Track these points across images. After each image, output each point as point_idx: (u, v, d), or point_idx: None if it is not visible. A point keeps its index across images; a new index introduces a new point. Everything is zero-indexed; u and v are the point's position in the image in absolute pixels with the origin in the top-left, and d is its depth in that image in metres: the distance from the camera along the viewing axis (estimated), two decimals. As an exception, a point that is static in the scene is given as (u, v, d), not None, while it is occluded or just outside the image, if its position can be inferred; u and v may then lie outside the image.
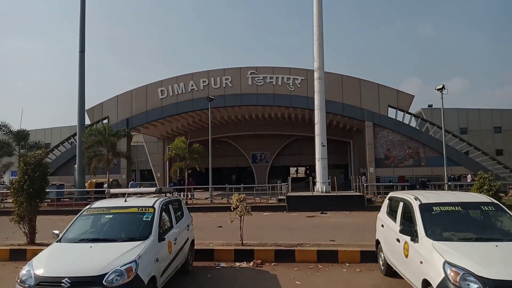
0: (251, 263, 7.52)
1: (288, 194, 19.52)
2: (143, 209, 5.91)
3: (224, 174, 39.59)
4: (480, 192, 8.37)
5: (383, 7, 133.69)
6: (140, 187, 24.81)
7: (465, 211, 5.62)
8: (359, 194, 19.60)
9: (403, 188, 21.65)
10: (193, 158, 22.91)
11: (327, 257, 7.60)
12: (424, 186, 24.44)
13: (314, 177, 20.97)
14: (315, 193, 19.46)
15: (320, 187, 19.62)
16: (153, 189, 7.65)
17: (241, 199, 8.31)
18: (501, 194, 20.16)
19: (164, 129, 31.95)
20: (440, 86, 18.97)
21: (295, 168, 47.31)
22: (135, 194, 7.58)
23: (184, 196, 21.47)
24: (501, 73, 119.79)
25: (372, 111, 27.03)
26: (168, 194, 7.56)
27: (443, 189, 20.54)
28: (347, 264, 7.40)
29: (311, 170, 39.05)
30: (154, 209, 5.88)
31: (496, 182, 8.62)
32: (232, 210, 8.48)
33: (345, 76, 27.77)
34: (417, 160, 27.11)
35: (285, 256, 7.73)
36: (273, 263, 7.57)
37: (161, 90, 28.56)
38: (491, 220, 5.57)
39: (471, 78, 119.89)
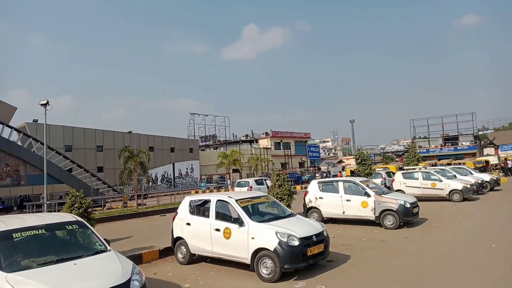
0: None
1: None
2: None
3: None
4: (71, 211, 8.65)
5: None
6: None
7: (50, 233, 5.46)
8: None
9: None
10: None
11: None
12: (21, 206, 22.49)
13: None
14: None
15: None
16: None
17: None
18: (98, 208, 22.35)
19: None
20: (44, 102, 18.32)
21: None
22: None
23: None
24: (112, 98, 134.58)
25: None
26: None
27: (42, 209, 19.78)
28: None
29: None
30: None
31: (86, 199, 9.23)
32: None
33: None
34: (17, 178, 24.69)
35: None
36: None
37: None
38: (76, 238, 5.73)
39: (79, 99, 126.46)
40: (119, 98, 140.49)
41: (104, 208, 23.07)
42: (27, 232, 5.18)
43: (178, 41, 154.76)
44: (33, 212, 19.64)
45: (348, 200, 11.79)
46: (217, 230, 7.45)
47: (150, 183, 44.19)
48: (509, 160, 33.05)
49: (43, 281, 4.25)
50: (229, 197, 7.77)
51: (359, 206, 11.47)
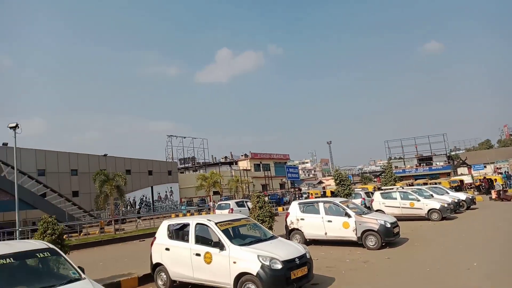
0: None
1: None
2: None
3: None
4: (43, 238, 8.22)
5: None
6: None
7: (19, 261, 5.18)
8: None
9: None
10: None
11: None
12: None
13: None
14: None
15: None
16: None
17: None
18: (74, 234, 21.44)
19: None
20: (14, 124, 17.68)
21: None
22: None
23: None
24: (83, 121, 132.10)
25: None
26: None
27: (14, 237, 18.77)
28: None
29: None
30: None
31: (59, 225, 8.81)
32: None
33: None
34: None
35: None
36: None
37: None
38: (49, 266, 5.47)
39: (50, 121, 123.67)
40: (92, 120, 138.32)
41: (81, 234, 22.17)
42: (-6, 261, 4.85)
43: (151, 64, 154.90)
44: (3, 240, 18.59)
45: (329, 221, 11.75)
46: (198, 255, 7.23)
47: (128, 207, 42.95)
48: (490, 177, 33.93)
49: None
50: (208, 220, 7.59)
51: (340, 227, 11.44)
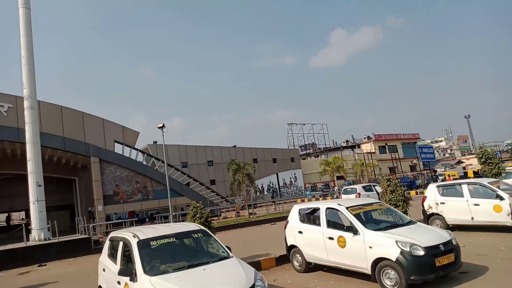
0: None
1: (-11, 249, 15.43)
2: None
3: None
4: (194, 221, 9.44)
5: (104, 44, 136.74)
6: None
7: (179, 241, 5.93)
8: (85, 236, 18.00)
9: (131, 224, 21.69)
10: None
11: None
12: (152, 219, 25.47)
13: (29, 224, 17.63)
14: (30, 243, 16.25)
15: (37, 234, 16.65)
16: None
17: None
18: (215, 218, 24.03)
19: None
20: (161, 125, 20.77)
21: (6, 215, 38.50)
22: None
23: None
24: (213, 117, 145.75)
25: (98, 147, 26.09)
26: None
27: (169, 220, 22.09)
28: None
29: (28, 214, 32.80)
30: None
31: (205, 209, 9.99)
32: None
33: (66, 108, 25.61)
34: (146, 194, 28.12)
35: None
36: None
37: None
38: (201, 245, 6.15)
39: (187, 119, 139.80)
40: (220, 116, 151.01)
41: (220, 218, 24.69)
42: (161, 240, 5.72)
43: (266, 56, 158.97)
44: (160, 223, 22.03)
45: (476, 205, 10.41)
46: (331, 238, 7.28)
47: (258, 193, 45.86)
48: None
49: (180, 284, 4.67)
50: (338, 204, 7.54)
51: (490, 211, 10.02)
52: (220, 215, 25.61)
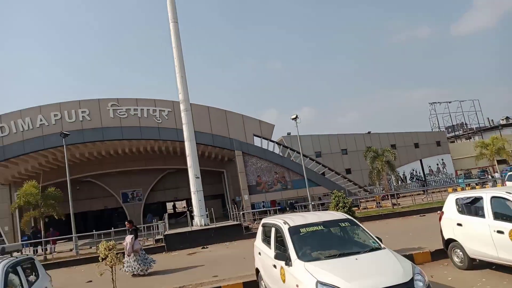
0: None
1: (166, 232, 18.58)
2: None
3: (92, 218, 35.79)
4: (337, 210, 9.44)
5: (235, 44, 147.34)
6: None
7: (327, 229, 6.03)
8: (237, 223, 19.98)
9: (275, 212, 23.01)
10: (49, 204, 19.77)
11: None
12: (292, 207, 26.53)
13: (191, 211, 20.60)
14: (194, 228, 18.97)
15: (198, 220, 19.31)
16: (-6, 249, 6.28)
17: (110, 247, 7.49)
18: (354, 208, 23.56)
19: (9, 172, 27.05)
20: (294, 116, 21.32)
21: (172, 203, 45.83)
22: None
23: (42, 251, 18.35)
24: (343, 103, 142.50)
25: (240, 141, 28.48)
26: (15, 253, 6.30)
27: (309, 209, 22.66)
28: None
29: (189, 203, 38.37)
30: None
31: (348, 199, 9.89)
32: (101, 260, 7.55)
33: (212, 107, 28.73)
34: (284, 184, 29.43)
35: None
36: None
37: (1, 127, 24.45)
38: (349, 234, 6.09)
39: (316, 108, 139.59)
40: (349, 102, 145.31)
41: (360, 208, 24.07)
42: (309, 228, 5.89)
43: (398, 30, 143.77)
44: (299, 212, 22.75)
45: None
46: (500, 232, 6.32)
47: (399, 182, 42.82)
48: None
49: (335, 272, 4.68)
50: (507, 193, 6.46)
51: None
52: (360, 205, 24.89)
